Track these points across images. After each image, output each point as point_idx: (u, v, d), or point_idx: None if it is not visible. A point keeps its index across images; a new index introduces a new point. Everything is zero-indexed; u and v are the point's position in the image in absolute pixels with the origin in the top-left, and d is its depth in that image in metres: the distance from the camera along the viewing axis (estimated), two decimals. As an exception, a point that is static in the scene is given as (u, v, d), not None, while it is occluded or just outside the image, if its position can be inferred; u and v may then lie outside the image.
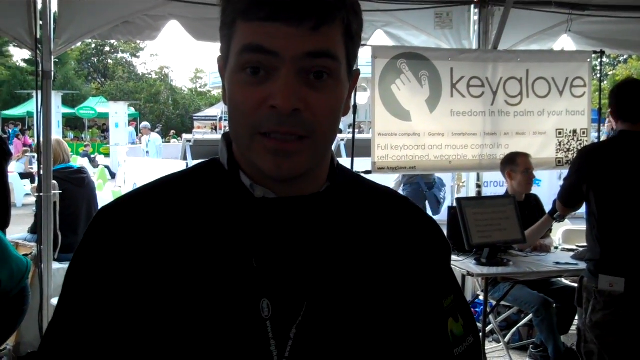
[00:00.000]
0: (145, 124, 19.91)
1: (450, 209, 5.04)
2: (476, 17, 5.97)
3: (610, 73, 6.67)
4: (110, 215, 1.03)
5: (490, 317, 4.90)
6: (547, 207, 4.94)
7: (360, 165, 5.55)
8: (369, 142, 5.60)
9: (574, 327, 5.12)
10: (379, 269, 1.03)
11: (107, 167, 17.50)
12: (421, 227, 1.12)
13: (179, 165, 11.82)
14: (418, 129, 5.60)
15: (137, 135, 24.10)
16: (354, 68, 1.04)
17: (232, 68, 0.96)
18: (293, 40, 0.91)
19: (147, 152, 17.73)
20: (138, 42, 42.37)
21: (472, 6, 5.96)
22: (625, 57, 30.09)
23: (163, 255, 0.98)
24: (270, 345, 0.95)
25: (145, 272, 0.97)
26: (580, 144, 5.97)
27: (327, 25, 0.93)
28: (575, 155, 3.77)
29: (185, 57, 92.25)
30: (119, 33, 5.27)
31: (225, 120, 27.49)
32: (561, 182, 3.89)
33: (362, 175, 1.20)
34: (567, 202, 3.70)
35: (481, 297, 4.89)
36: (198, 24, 5.34)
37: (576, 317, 5.07)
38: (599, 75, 6.39)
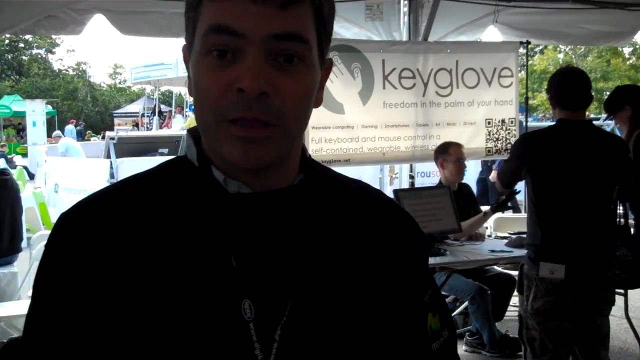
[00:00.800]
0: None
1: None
2: (406, 9, 5.99)
3: (527, 63, 6.89)
4: (74, 220, 0.95)
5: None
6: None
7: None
8: (302, 135, 5.54)
9: (508, 314, 5.23)
10: (359, 264, 0.99)
11: (25, 167, 16.86)
12: (398, 221, 1.09)
13: (102, 164, 11.48)
14: (351, 122, 5.59)
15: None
16: (326, 57, 0.99)
17: (197, 53, 0.91)
18: (260, 20, 0.86)
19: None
20: (55, 37, 41.09)
21: (402, -2, 5.97)
22: (541, 47, 31.10)
23: (135, 259, 0.91)
24: (255, 348, 0.90)
25: (118, 278, 0.90)
26: (509, 134, 6.09)
27: (296, 4, 0.88)
28: (515, 140, 3.83)
29: (103, 52, 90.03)
30: (42, 28, 5.05)
31: (146, 117, 27.00)
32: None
33: (332, 168, 1.14)
34: (505, 183, 3.76)
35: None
36: (124, 18, 5.19)
37: (512, 304, 5.17)
38: (525, 65, 6.49)
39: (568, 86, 3.41)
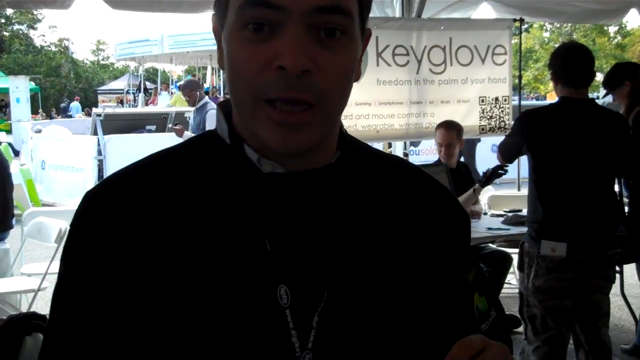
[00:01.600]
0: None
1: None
2: (399, -15, 5.94)
3: (514, 41, 6.86)
4: (101, 199, 0.91)
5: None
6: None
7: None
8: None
9: (504, 291, 5.26)
10: (400, 246, 0.94)
11: (9, 144, 16.70)
12: (438, 199, 1.02)
13: (89, 141, 11.37)
14: (345, 99, 5.54)
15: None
16: (366, 26, 0.93)
17: (231, 25, 0.85)
18: None
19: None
20: (37, 13, 40.56)
21: (395, -26, 5.93)
22: (526, 26, 31.09)
23: (166, 242, 0.87)
24: (292, 335, 0.85)
25: (149, 262, 0.86)
26: (502, 111, 6.09)
27: None
28: (517, 116, 3.80)
29: (85, 28, 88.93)
30: (30, 2, 4.95)
31: (131, 93, 26.79)
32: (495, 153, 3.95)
33: (369, 145, 1.09)
34: (506, 157, 3.78)
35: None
36: (115, -9, 5.09)
37: (507, 281, 5.20)
38: (518, 43, 6.47)
39: (572, 62, 3.35)
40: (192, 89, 7.93)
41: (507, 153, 3.75)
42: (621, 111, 4.34)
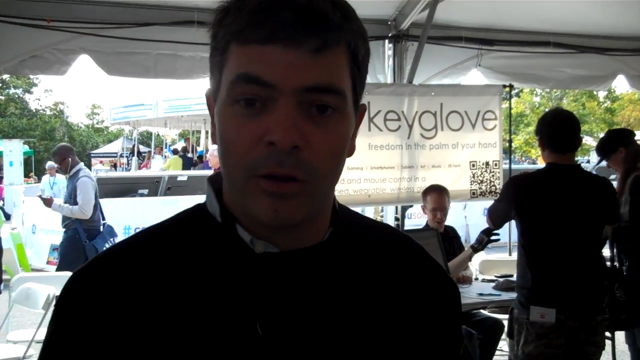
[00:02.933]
0: (50, 163, 19.08)
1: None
2: (390, 52, 6.05)
3: (504, 106, 6.95)
4: (88, 278, 0.89)
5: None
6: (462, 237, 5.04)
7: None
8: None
9: (495, 358, 5.18)
10: (393, 327, 0.93)
11: (1, 208, 16.64)
12: (431, 274, 1.02)
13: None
14: (337, 163, 5.57)
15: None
16: (360, 102, 0.93)
17: (223, 100, 0.85)
18: (293, 70, 0.80)
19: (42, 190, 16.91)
20: (33, 77, 41.01)
21: (387, 41, 6.03)
22: (517, 90, 31.56)
23: (153, 322, 0.85)
24: None
25: (135, 343, 0.84)
26: (493, 176, 6.12)
27: (331, 48, 0.82)
28: (506, 182, 3.85)
29: (81, 92, 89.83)
30: (27, 67, 5.01)
31: (124, 156, 26.86)
32: (485, 217, 3.96)
33: (360, 213, 1.09)
34: (495, 222, 3.82)
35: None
36: (110, 58, 5.19)
37: (499, 348, 5.13)
38: (509, 108, 6.56)
39: (558, 129, 3.42)
40: (63, 156, 7.12)
41: (496, 218, 3.78)
42: (617, 177, 4.38)
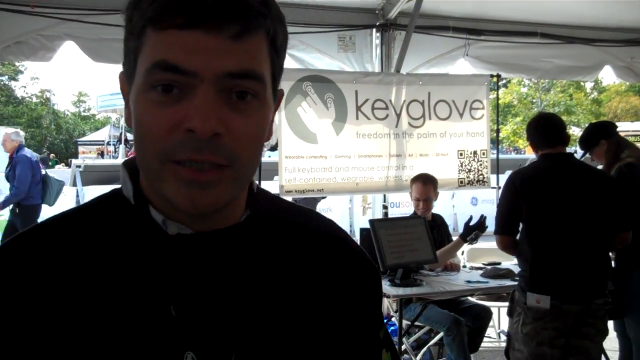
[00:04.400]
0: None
1: (362, 230, 5.03)
2: (378, 41, 6.05)
3: (492, 97, 6.98)
4: None
5: (403, 338, 4.91)
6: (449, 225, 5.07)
7: (266, 188, 5.45)
8: (274, 165, 5.54)
9: (483, 345, 5.22)
10: (306, 307, 0.93)
11: (-13, 195, 16.52)
12: (347, 258, 1.02)
13: (68, 192, 11.28)
14: (325, 152, 5.60)
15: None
16: (278, 88, 0.93)
17: (139, 86, 0.83)
18: (213, 57, 0.79)
19: None
20: (19, 64, 40.67)
21: (374, 30, 6.04)
22: (505, 81, 31.66)
23: (67, 305, 0.83)
24: None
25: (46, 325, 0.83)
26: (481, 165, 6.15)
27: (251, 33, 0.81)
28: (505, 183, 3.83)
29: (67, 80, 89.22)
30: (11, 54, 4.97)
31: (111, 144, 26.77)
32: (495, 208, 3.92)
33: (280, 197, 1.09)
34: (508, 228, 3.70)
35: (394, 319, 4.89)
36: (95, 45, 5.16)
37: (487, 335, 5.17)
38: (496, 98, 6.59)
39: (544, 127, 3.66)
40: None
41: (507, 222, 3.67)
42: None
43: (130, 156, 1.01)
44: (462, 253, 5.48)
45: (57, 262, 0.86)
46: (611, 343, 4.76)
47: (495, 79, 6.30)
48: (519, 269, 3.74)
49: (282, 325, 0.90)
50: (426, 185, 5.09)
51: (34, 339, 0.82)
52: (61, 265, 0.86)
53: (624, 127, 19.38)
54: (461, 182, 6.14)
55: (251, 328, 0.88)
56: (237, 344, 0.86)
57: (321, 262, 0.98)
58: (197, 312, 0.86)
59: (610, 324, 4.48)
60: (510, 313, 3.71)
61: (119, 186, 0.97)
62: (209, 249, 0.89)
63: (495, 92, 6.64)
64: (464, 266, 5.27)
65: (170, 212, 0.88)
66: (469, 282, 4.64)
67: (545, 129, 3.65)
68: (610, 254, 4.27)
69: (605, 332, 3.61)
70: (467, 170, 6.13)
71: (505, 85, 33.36)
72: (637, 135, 17.17)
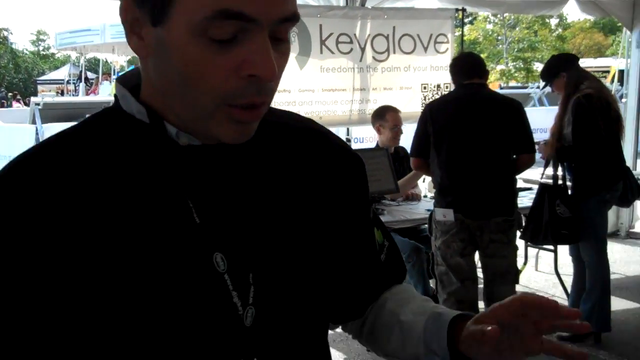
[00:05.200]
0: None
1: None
2: (343, -27, 5.99)
3: (457, 34, 6.96)
4: (8, 184, 0.87)
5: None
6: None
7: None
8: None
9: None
10: (309, 199, 1.02)
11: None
12: (335, 148, 1.10)
13: (27, 130, 11.08)
14: (288, 86, 5.59)
15: None
16: None
17: (186, 27, 0.81)
18: (273, 3, 0.81)
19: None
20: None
21: (339, -38, 5.97)
22: (470, 18, 31.58)
23: (90, 222, 0.85)
24: (233, 297, 0.91)
25: (73, 245, 0.84)
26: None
27: None
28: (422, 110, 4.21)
29: (25, 18, 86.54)
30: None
31: (71, 83, 26.18)
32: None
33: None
34: (418, 150, 4.10)
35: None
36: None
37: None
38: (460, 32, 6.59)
39: (461, 61, 4.08)
40: None
41: (420, 142, 4.06)
42: (559, 102, 4.50)
43: (122, 73, 1.02)
44: (424, 181, 5.58)
45: (73, 178, 0.87)
46: (567, 269, 4.94)
47: (460, 15, 6.30)
48: None
49: (292, 218, 0.98)
50: (398, 113, 5.17)
51: (61, 261, 0.84)
52: (78, 182, 0.87)
53: (587, 64, 19.54)
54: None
55: (267, 224, 0.95)
56: (259, 240, 0.94)
57: (311, 157, 1.05)
58: (218, 217, 0.92)
59: (566, 248, 4.66)
60: (430, 231, 4.11)
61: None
62: (219, 158, 0.93)
63: (461, 28, 6.62)
64: (425, 196, 5.37)
65: (181, 124, 0.90)
66: (428, 210, 4.74)
67: (463, 63, 4.02)
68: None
69: (512, 247, 4.00)
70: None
71: (471, 22, 33.27)
72: (600, 72, 17.35)
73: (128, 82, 0.96)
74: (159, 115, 0.91)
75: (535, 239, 4.57)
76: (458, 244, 3.90)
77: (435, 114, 3.93)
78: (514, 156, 3.98)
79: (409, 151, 4.41)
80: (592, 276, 4.37)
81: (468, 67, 3.99)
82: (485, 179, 3.85)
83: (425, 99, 6.14)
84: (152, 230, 0.88)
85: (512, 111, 3.94)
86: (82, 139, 0.92)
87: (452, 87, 6.22)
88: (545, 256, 5.77)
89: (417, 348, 1.05)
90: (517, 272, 4.25)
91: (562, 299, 4.93)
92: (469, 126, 3.82)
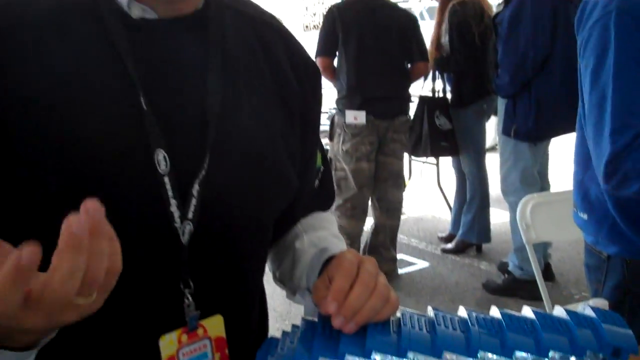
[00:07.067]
0: None
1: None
2: None
3: None
4: None
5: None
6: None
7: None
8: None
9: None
10: (268, 100, 0.92)
11: None
12: (292, 45, 1.01)
13: None
14: None
15: None
16: None
17: None
18: None
19: None
20: None
21: None
22: None
23: (33, 74, 0.76)
24: (170, 205, 0.79)
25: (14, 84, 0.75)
26: (326, 8, 5.99)
27: None
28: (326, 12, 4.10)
29: None
30: None
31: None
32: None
33: None
34: (327, 50, 4.01)
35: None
36: None
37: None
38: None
39: None
40: None
41: (327, 42, 3.98)
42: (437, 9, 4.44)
43: None
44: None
45: (21, 25, 0.77)
46: (448, 182, 4.96)
47: None
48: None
49: (246, 115, 0.88)
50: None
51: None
52: (28, 37, 0.77)
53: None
54: (306, 26, 5.98)
55: (221, 119, 0.83)
56: (210, 141, 0.82)
57: (272, 52, 0.95)
58: (167, 105, 0.81)
59: (448, 160, 4.66)
60: (330, 136, 4.07)
61: None
62: (173, 35, 0.84)
63: None
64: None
65: None
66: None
67: None
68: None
69: (405, 145, 4.15)
70: (312, 14, 5.96)
71: None
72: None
73: None
74: None
75: (416, 151, 4.54)
76: (366, 147, 3.91)
77: (343, 13, 3.91)
78: (409, 65, 4.03)
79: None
80: (472, 188, 4.40)
81: None
82: (390, 78, 3.92)
83: (306, 9, 5.91)
84: (95, 108, 0.77)
85: (409, 21, 4.03)
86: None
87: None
88: (429, 170, 5.76)
89: (300, 280, 0.98)
90: (404, 182, 4.28)
91: (447, 214, 4.95)
92: (374, 27, 3.87)
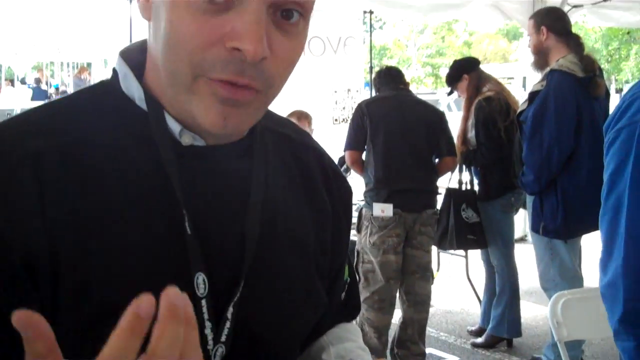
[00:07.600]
0: None
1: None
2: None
3: (368, 41, 7.07)
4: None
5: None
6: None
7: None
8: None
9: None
10: (307, 226, 0.93)
11: None
12: (329, 168, 1.02)
13: None
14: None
15: None
16: None
17: None
18: None
19: None
20: None
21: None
22: (380, 25, 32.02)
23: (77, 203, 0.75)
24: (206, 327, 0.79)
25: (59, 224, 0.74)
26: (355, 102, 6.13)
27: None
28: (354, 110, 4.24)
29: None
30: None
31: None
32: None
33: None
34: (354, 145, 4.12)
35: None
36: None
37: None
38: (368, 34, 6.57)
39: (384, 74, 4.25)
40: None
41: (356, 137, 4.09)
42: (462, 104, 4.52)
43: (130, 44, 0.90)
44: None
45: (64, 156, 0.76)
46: (477, 274, 4.94)
47: (369, 16, 6.25)
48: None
49: (287, 246, 0.89)
50: (301, 122, 5.01)
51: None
52: (69, 162, 0.76)
53: (493, 69, 20.04)
54: (335, 120, 6.11)
55: (259, 249, 0.84)
56: (247, 265, 0.83)
57: (310, 177, 0.97)
58: (211, 230, 0.82)
59: (477, 253, 4.66)
60: (358, 228, 4.10)
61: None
62: (220, 162, 0.84)
63: (369, 29, 6.60)
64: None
65: (185, 121, 0.81)
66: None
67: (388, 73, 4.24)
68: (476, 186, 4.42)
69: (433, 238, 4.15)
70: (341, 108, 6.09)
71: (380, 28, 33.78)
72: (506, 78, 17.81)
73: (132, 57, 0.85)
74: (159, 103, 0.82)
75: (442, 244, 4.54)
76: (394, 240, 3.92)
77: (371, 109, 4.04)
78: (436, 160, 4.09)
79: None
80: (501, 281, 4.37)
81: (392, 77, 4.19)
82: (417, 172, 3.97)
83: (336, 104, 6.05)
84: (140, 232, 0.78)
85: (436, 117, 4.12)
86: (82, 116, 0.81)
87: (362, 92, 6.29)
88: (458, 262, 5.74)
89: None
90: (432, 274, 4.30)
91: (476, 307, 4.91)
92: (402, 122, 3.97)
